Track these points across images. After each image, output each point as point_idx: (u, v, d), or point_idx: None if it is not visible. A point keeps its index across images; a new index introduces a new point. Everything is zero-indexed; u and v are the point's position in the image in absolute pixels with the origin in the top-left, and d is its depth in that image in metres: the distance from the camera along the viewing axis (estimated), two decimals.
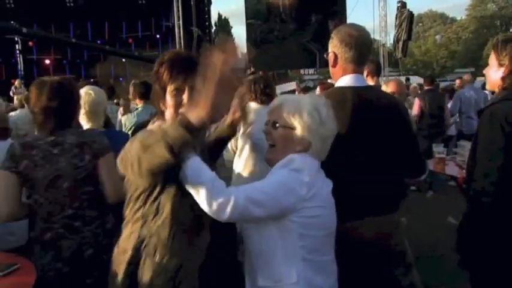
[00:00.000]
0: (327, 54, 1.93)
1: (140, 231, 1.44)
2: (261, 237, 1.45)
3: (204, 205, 1.30)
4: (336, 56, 1.86)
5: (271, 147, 1.53)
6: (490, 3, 47.11)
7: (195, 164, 1.31)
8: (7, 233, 2.55)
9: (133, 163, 1.24)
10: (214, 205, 1.28)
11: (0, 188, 1.93)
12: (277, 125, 1.50)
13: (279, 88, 4.31)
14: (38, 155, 1.95)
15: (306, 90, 4.87)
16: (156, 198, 1.42)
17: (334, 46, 1.87)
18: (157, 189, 1.40)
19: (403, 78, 15.84)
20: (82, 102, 2.47)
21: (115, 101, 5.84)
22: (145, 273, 1.42)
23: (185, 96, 1.42)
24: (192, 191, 1.31)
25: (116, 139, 2.55)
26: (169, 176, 1.33)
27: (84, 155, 1.99)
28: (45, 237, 1.95)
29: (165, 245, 1.41)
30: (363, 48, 1.85)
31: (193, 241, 1.46)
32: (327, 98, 1.66)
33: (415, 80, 17.71)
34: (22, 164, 1.94)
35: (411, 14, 15.85)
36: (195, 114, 1.20)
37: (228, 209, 1.28)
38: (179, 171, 1.32)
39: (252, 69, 10.57)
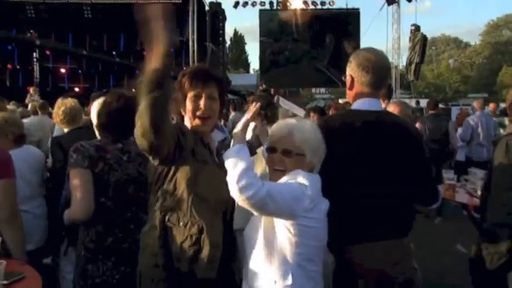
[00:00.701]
0: (345, 77, 1.95)
1: (162, 207, 1.66)
2: (261, 242, 1.58)
3: (233, 180, 1.45)
4: (352, 79, 1.88)
5: (279, 172, 1.64)
6: (504, 29, 47.10)
7: (242, 148, 1.53)
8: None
9: (138, 120, 1.46)
10: (243, 182, 1.43)
11: (84, 185, 1.97)
12: (292, 153, 1.63)
13: (286, 105, 4.29)
14: (112, 159, 2.04)
15: (320, 111, 4.91)
16: (172, 177, 1.64)
17: (351, 69, 1.88)
18: (172, 170, 1.64)
19: (413, 101, 15.84)
20: (96, 113, 2.46)
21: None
22: (174, 241, 1.64)
23: (202, 102, 1.70)
24: (230, 165, 1.48)
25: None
26: (180, 157, 1.61)
27: (145, 164, 2.03)
28: (106, 243, 2.00)
29: (185, 215, 1.63)
30: (380, 73, 1.86)
31: (210, 207, 1.65)
32: (341, 120, 1.74)
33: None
34: (98, 166, 2.01)
35: (425, 38, 15.90)
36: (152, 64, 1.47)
37: (251, 192, 1.42)
38: (187, 155, 1.62)
39: (264, 86, 10.66)
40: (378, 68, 1.84)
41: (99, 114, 2.17)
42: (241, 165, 1.46)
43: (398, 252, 1.80)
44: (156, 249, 1.64)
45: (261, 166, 2.17)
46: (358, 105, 1.86)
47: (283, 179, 1.58)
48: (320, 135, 1.68)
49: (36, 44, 14.66)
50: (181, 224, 1.63)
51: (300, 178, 1.55)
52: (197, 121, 1.72)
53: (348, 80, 1.90)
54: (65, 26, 15.03)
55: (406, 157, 1.81)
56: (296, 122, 1.72)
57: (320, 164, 1.68)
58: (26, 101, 10.64)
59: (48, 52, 16.05)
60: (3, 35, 13.92)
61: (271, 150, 1.68)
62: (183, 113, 1.75)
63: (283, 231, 1.54)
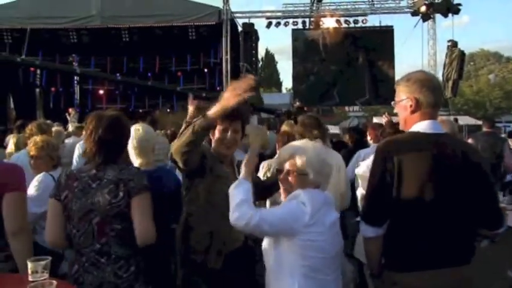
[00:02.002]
0: (399, 101, 1.91)
1: (186, 211, 2.24)
2: (273, 255, 1.83)
3: (230, 212, 1.75)
4: (417, 101, 1.84)
5: (286, 191, 1.90)
6: None
7: (241, 183, 1.82)
8: None
9: (180, 139, 1.98)
10: (236, 214, 1.72)
11: (50, 215, 2.00)
12: (294, 173, 1.86)
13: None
14: (78, 187, 2.00)
15: (357, 131, 4.77)
16: (195, 189, 2.19)
17: (413, 92, 1.85)
18: (195, 183, 2.19)
19: (451, 118, 15.23)
20: (130, 138, 2.47)
21: (162, 131, 5.89)
22: (191, 238, 2.17)
23: (228, 134, 2.25)
24: (230, 198, 1.79)
25: (164, 178, 2.65)
26: (201, 173, 2.15)
27: (118, 192, 1.97)
28: (72, 270, 1.98)
29: (200, 218, 2.17)
30: (439, 93, 1.88)
31: (222, 212, 1.93)
32: (404, 142, 1.79)
33: (465, 121, 16.99)
34: (63, 194, 2.00)
35: (462, 53, 15.44)
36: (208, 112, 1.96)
37: (243, 222, 1.70)
38: (207, 172, 2.16)
39: (298, 103, 10.57)
40: (438, 88, 1.88)
41: (85, 142, 2.14)
42: (236, 199, 1.75)
43: (459, 279, 1.77)
44: (179, 243, 2.23)
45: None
46: (423, 127, 1.84)
47: (286, 199, 1.86)
48: (324, 156, 1.88)
49: (76, 72, 15.60)
50: (197, 225, 2.17)
51: (300, 197, 1.78)
52: (223, 148, 2.26)
53: (410, 102, 1.86)
54: (104, 50, 15.64)
55: (471, 180, 1.78)
56: (300, 144, 1.93)
57: (328, 181, 1.89)
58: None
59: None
60: (51, 66, 14.95)
61: (278, 171, 1.95)
62: (211, 137, 2.28)
63: (288, 245, 1.76)
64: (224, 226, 1.93)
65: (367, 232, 1.89)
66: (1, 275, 2.02)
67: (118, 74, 15.91)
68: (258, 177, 2.66)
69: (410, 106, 1.86)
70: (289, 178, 1.86)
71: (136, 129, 2.62)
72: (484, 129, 6.35)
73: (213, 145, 2.30)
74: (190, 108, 2.82)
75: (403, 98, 1.88)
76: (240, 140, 2.37)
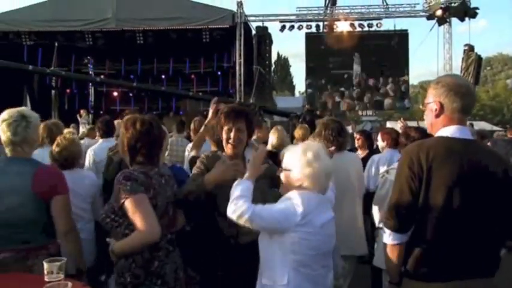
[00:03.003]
0: (426, 104, 1.90)
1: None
2: (267, 249, 1.97)
3: (228, 205, 1.92)
4: (441, 106, 1.80)
5: (284, 188, 2.04)
6: None
7: (242, 182, 1.98)
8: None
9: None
10: (231, 207, 1.90)
11: (149, 210, 1.97)
12: (282, 169, 2.03)
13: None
14: (156, 184, 2.07)
15: (365, 135, 4.69)
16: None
17: (439, 95, 1.81)
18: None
19: (467, 124, 14.95)
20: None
21: (184, 133, 5.86)
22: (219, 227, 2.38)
23: (232, 134, 2.37)
24: (230, 194, 1.95)
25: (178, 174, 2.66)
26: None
27: (174, 185, 2.23)
28: (152, 267, 2.01)
29: (220, 215, 2.25)
30: (470, 98, 1.82)
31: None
32: (433, 147, 1.74)
33: (482, 126, 16.73)
34: (150, 192, 2.02)
35: (479, 58, 15.20)
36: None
37: (236, 214, 1.87)
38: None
39: (308, 106, 10.39)
40: (470, 93, 1.81)
41: (127, 141, 2.13)
42: (234, 195, 1.93)
43: None
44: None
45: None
46: (450, 132, 1.79)
47: (282, 198, 1.99)
48: (311, 156, 1.93)
49: (97, 81, 15.99)
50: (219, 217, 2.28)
51: (294, 198, 1.92)
52: (229, 147, 2.39)
53: (433, 107, 1.83)
54: (118, 52, 15.80)
55: (500, 190, 1.73)
56: (296, 145, 2.10)
57: (322, 181, 1.95)
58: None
59: (102, 77, 16.92)
60: (68, 75, 15.27)
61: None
62: (221, 138, 2.41)
63: (281, 241, 1.91)
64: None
65: (390, 239, 1.83)
66: (19, 275, 2.06)
67: (132, 76, 16.07)
68: None
69: (435, 110, 1.82)
70: (281, 174, 2.04)
71: None
72: (509, 135, 6.22)
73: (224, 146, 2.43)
74: (210, 112, 3.10)
75: (430, 101, 1.85)
76: (249, 138, 2.48)
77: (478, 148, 1.82)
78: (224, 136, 2.38)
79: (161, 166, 2.20)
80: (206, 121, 3.25)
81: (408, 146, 1.96)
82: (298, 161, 1.96)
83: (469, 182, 1.70)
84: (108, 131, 4.38)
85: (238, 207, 1.88)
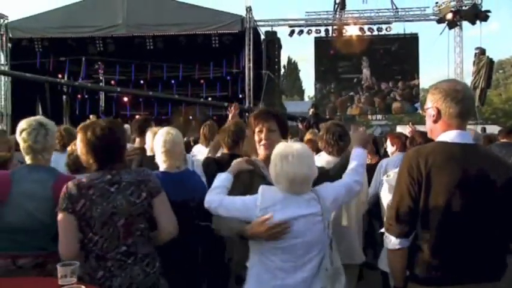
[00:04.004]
0: (426, 109, 1.90)
1: None
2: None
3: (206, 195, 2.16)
4: (439, 111, 1.80)
5: None
6: None
7: (221, 174, 2.23)
8: None
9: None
10: (207, 197, 2.13)
11: (67, 230, 2.02)
12: None
13: None
14: (95, 193, 2.02)
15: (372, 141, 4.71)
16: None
17: (436, 101, 1.81)
18: None
19: (479, 128, 14.86)
20: (162, 140, 2.67)
21: (191, 138, 5.86)
22: None
23: (263, 134, 2.32)
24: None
25: (188, 179, 2.78)
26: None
27: (140, 193, 2.09)
28: (97, 276, 1.98)
29: None
30: (468, 103, 1.81)
31: None
32: (432, 152, 1.74)
33: (494, 130, 16.50)
34: (79, 204, 2.00)
35: (491, 61, 15.06)
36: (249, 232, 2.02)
37: (207, 204, 2.10)
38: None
39: (312, 110, 10.28)
40: (467, 97, 1.80)
41: (80, 149, 2.17)
42: (212, 186, 2.17)
43: None
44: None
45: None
46: (449, 137, 1.79)
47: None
48: (278, 157, 1.96)
49: (117, 90, 16.36)
50: None
51: (259, 191, 2.01)
52: (262, 148, 2.33)
53: (432, 112, 1.83)
54: (129, 57, 15.95)
55: (502, 193, 1.71)
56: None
57: (292, 183, 1.94)
58: None
59: (113, 82, 17.07)
60: (93, 87, 16.02)
61: None
62: (254, 144, 2.38)
63: None
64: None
65: (392, 244, 1.84)
66: (33, 278, 2.10)
67: (142, 81, 16.21)
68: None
69: (433, 116, 1.83)
70: None
71: (167, 133, 2.71)
72: (501, 139, 5.92)
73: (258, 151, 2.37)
74: (230, 116, 3.28)
75: (428, 107, 1.87)
76: (284, 138, 2.36)
77: (479, 152, 1.82)
78: (256, 138, 2.35)
79: (123, 172, 2.12)
80: (226, 122, 3.32)
81: (408, 151, 1.98)
82: (272, 159, 2.02)
83: (469, 187, 1.70)
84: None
85: (209, 197, 2.10)
